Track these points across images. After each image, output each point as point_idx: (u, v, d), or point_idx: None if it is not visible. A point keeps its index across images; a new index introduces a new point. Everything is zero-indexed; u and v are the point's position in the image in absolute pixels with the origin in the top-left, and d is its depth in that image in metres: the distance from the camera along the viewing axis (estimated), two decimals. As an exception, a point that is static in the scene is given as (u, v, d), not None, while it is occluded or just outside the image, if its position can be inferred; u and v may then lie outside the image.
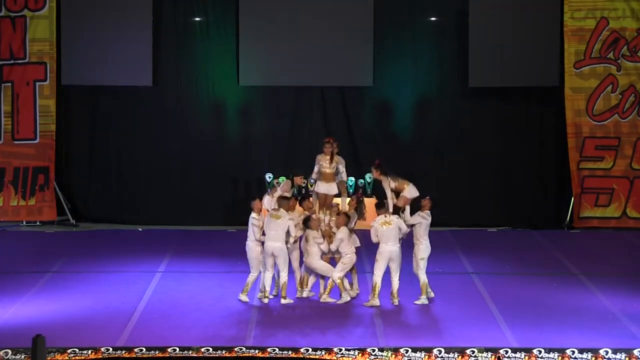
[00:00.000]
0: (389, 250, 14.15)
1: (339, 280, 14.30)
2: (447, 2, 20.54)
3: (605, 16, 20.14)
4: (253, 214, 14.52)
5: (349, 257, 14.34)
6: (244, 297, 14.39)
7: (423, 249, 14.38)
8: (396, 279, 14.26)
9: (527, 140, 20.66)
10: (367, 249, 15.11)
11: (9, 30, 20.11)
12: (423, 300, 14.33)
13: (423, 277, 14.36)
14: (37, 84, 20.20)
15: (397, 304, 14.22)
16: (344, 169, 16.01)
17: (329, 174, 15.89)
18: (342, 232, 14.33)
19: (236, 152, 20.69)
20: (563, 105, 20.28)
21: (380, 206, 14.39)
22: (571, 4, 20.11)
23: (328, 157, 15.86)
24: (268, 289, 14.39)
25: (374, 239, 14.25)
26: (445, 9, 20.53)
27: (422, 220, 14.37)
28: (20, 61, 20.16)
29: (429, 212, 14.44)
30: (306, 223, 14.49)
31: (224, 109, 20.78)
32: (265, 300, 14.33)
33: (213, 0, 20.58)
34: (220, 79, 20.65)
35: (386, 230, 14.16)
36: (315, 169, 15.98)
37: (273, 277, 14.54)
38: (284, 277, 14.34)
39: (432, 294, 14.50)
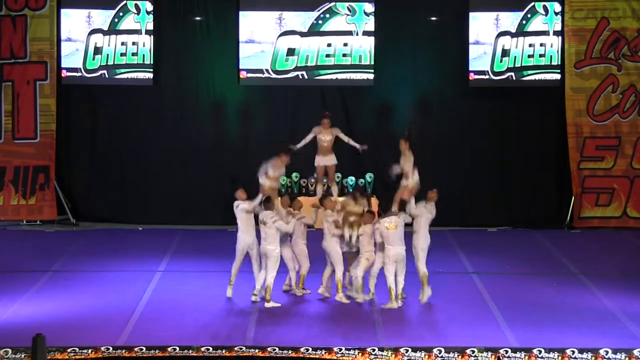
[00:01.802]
0: (395, 252, 14.09)
1: (360, 280, 14.25)
2: (447, 2, 20.54)
3: (605, 16, 20.14)
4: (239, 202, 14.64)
5: (368, 254, 14.32)
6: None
7: (422, 238, 14.30)
8: (401, 279, 14.23)
9: (527, 140, 20.66)
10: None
11: (9, 29, 20.11)
12: (427, 292, 14.24)
13: (423, 269, 14.28)
14: (38, 83, 20.20)
15: (400, 304, 14.20)
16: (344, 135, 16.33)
17: (326, 147, 16.32)
18: (366, 228, 14.31)
19: (236, 152, 20.68)
20: (563, 105, 20.28)
21: (386, 209, 14.36)
22: (572, 4, 20.11)
23: (327, 130, 15.98)
24: (259, 287, 14.36)
25: (378, 239, 14.22)
26: (445, 9, 20.53)
27: (426, 212, 14.33)
28: (20, 60, 20.16)
29: (433, 204, 14.42)
30: (322, 202, 14.62)
31: (224, 108, 20.78)
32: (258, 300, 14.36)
33: (213, 0, 20.59)
34: (220, 78, 20.65)
35: (392, 233, 14.12)
36: (308, 137, 16.11)
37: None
38: (270, 279, 14.22)
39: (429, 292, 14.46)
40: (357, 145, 16.00)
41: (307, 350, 12.11)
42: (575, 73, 20.20)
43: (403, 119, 20.70)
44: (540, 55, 20.26)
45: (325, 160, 16.59)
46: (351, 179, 19.99)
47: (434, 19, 20.58)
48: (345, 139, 16.55)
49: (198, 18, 20.56)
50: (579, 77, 20.20)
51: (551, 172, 20.79)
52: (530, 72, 20.29)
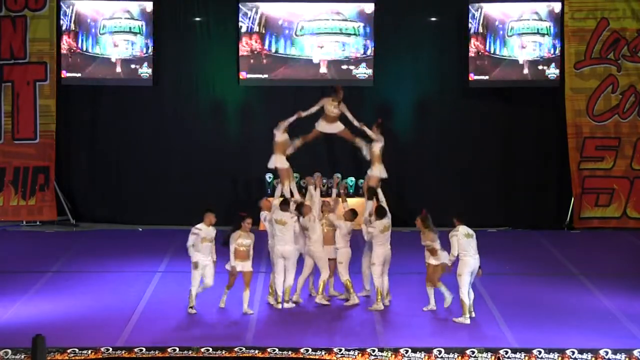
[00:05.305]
0: (384, 251, 14.18)
1: (348, 282, 14.30)
2: (447, 2, 20.54)
3: (605, 17, 20.15)
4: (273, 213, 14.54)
5: (343, 252, 14.38)
6: (272, 300, 14.39)
7: (459, 265, 13.76)
8: (386, 278, 14.24)
9: (527, 140, 20.67)
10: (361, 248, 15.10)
11: (9, 30, 20.11)
12: (462, 319, 13.55)
13: (461, 295, 13.57)
14: (38, 83, 20.20)
15: (387, 304, 14.19)
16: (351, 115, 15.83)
17: (333, 116, 15.77)
18: (345, 225, 14.38)
19: (236, 152, 20.68)
20: (563, 106, 20.28)
21: (382, 213, 14.35)
22: (572, 4, 20.12)
23: (336, 103, 15.70)
24: (280, 293, 14.24)
25: (367, 237, 14.27)
26: (445, 9, 20.53)
27: (457, 239, 13.79)
28: (20, 61, 20.17)
29: (459, 227, 13.90)
30: (299, 209, 14.46)
31: (224, 109, 20.79)
32: (279, 306, 14.19)
33: (213, 0, 20.59)
34: (220, 79, 20.66)
35: (384, 235, 14.19)
36: (313, 109, 15.78)
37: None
38: (289, 280, 14.17)
39: (473, 314, 13.74)
40: (357, 124, 15.61)
41: (307, 350, 12.11)
42: (575, 73, 20.20)
43: (403, 118, 20.73)
44: (539, 55, 20.29)
45: (331, 127, 15.74)
46: (351, 180, 19.98)
47: (433, 19, 20.58)
48: (350, 117, 15.72)
49: (198, 18, 20.57)
50: (579, 78, 20.21)
51: (551, 172, 20.79)
52: (529, 70, 20.33)
